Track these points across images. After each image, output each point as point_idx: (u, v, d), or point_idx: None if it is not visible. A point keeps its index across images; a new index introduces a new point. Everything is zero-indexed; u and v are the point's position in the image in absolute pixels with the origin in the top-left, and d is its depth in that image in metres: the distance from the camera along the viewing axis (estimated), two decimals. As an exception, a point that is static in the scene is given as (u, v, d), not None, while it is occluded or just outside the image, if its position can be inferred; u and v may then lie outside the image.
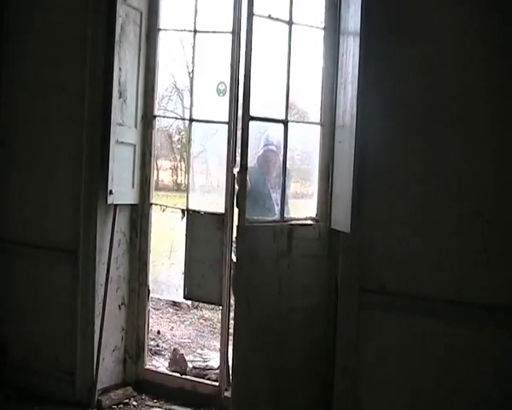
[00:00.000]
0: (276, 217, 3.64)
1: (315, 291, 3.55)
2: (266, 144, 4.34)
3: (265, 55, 3.57)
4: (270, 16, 3.46)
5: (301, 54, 3.66)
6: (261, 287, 3.40)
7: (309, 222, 3.64)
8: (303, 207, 3.98)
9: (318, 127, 3.68)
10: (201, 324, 6.16)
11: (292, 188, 4.35)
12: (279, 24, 3.50)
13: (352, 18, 3.32)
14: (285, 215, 3.58)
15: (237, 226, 3.36)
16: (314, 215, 3.68)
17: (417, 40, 3.24)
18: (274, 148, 4.27)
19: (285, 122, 3.56)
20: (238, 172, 3.55)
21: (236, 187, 4.02)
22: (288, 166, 3.64)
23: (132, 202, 4.13)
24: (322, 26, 3.62)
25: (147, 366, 4.25)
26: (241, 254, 3.35)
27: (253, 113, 3.35)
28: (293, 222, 3.59)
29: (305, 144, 4.00)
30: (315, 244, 3.56)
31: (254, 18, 3.28)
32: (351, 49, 3.31)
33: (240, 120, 4.07)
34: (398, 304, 3.27)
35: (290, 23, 3.52)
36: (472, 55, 3.13)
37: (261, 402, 3.43)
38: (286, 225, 3.53)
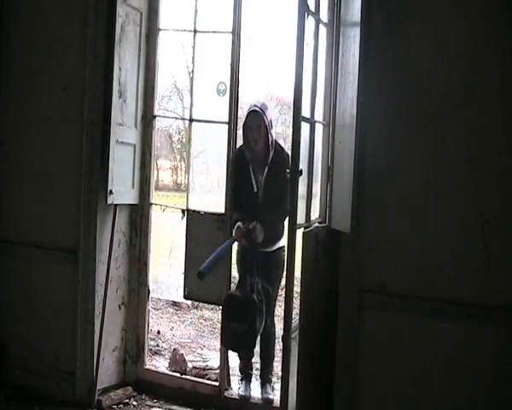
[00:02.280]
0: (303, 220, 3.35)
1: (325, 291, 3.52)
2: (249, 108, 3.92)
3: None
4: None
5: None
6: (311, 291, 3.29)
7: (317, 224, 3.60)
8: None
9: (321, 126, 3.63)
10: (201, 324, 6.15)
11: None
12: (310, 18, 3.23)
13: (352, 17, 3.31)
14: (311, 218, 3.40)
15: (303, 234, 3.14)
16: (317, 216, 3.61)
17: (418, 39, 3.22)
18: (257, 108, 3.83)
19: (312, 122, 3.33)
20: (289, 176, 3.16)
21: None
22: (314, 165, 3.41)
23: (132, 202, 4.13)
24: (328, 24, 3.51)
25: (147, 366, 4.26)
26: (305, 260, 3.18)
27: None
28: (317, 225, 3.50)
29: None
30: (325, 245, 3.49)
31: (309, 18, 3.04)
32: (351, 49, 3.30)
33: (239, 119, 4.08)
34: (398, 304, 3.27)
35: (318, 19, 3.35)
36: (476, 54, 3.10)
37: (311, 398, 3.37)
38: (314, 228, 3.40)
